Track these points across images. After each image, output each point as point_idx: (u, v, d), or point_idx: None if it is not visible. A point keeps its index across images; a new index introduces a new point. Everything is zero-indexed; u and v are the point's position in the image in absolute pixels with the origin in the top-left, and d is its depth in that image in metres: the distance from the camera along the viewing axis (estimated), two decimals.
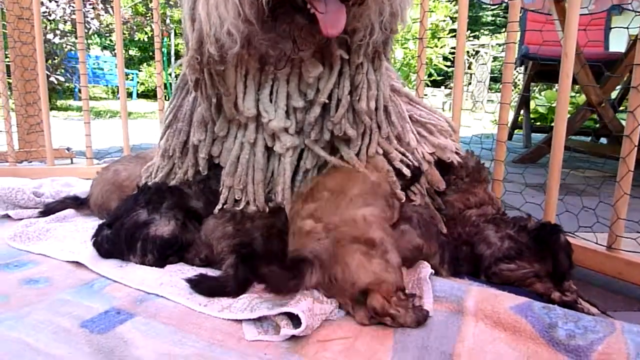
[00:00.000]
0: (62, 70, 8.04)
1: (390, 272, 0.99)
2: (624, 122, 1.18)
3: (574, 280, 1.18)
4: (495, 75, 12.73)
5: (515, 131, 4.87)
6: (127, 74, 12.79)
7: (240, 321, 0.98)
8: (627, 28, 1.52)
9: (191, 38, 1.09)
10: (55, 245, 1.38)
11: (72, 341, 0.90)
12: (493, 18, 18.66)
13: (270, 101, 1.21)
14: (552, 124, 1.33)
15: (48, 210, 1.64)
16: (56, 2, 7.42)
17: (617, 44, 4.46)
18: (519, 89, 4.90)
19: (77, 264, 1.26)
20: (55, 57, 7.73)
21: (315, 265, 0.98)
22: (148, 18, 10.02)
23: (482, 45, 11.51)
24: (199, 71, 1.14)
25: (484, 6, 17.60)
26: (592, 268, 1.30)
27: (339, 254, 0.99)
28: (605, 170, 3.30)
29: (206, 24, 1.03)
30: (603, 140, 4.34)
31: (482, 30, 17.38)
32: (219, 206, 1.32)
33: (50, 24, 7.60)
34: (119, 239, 1.25)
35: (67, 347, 0.87)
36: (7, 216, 1.66)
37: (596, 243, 1.34)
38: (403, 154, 1.34)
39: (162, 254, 1.22)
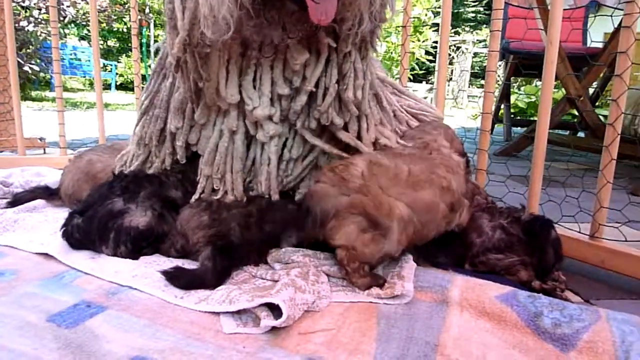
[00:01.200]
0: (37, 60, 7.79)
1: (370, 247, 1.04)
2: (601, 117, 1.18)
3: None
4: (476, 71, 12.85)
5: (496, 125, 4.91)
6: (105, 65, 12.50)
7: (218, 314, 0.95)
8: (611, 16, 1.51)
9: (181, 17, 1.04)
10: (24, 237, 1.32)
11: (37, 336, 0.84)
12: (474, 14, 18.81)
13: (254, 88, 1.16)
14: (532, 118, 1.32)
15: (16, 200, 1.57)
16: None
17: (595, 43, 4.51)
18: (498, 84, 4.93)
19: (47, 255, 1.20)
20: (30, 46, 7.49)
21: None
22: (127, 7, 9.80)
23: (463, 41, 11.59)
24: (182, 52, 1.09)
25: (465, 2, 17.74)
26: (575, 257, 1.30)
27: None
28: (584, 163, 3.34)
29: (204, 6, 0.98)
30: (580, 134, 4.40)
31: (462, 27, 17.51)
32: (195, 196, 1.27)
33: (25, 11, 7.37)
34: (91, 229, 1.19)
35: (32, 343, 0.82)
36: None
37: (579, 232, 1.33)
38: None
39: (136, 246, 1.17)
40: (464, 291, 1.03)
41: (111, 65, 12.69)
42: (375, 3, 1.05)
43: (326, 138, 1.25)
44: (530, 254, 1.16)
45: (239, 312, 0.94)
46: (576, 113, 4.19)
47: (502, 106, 4.68)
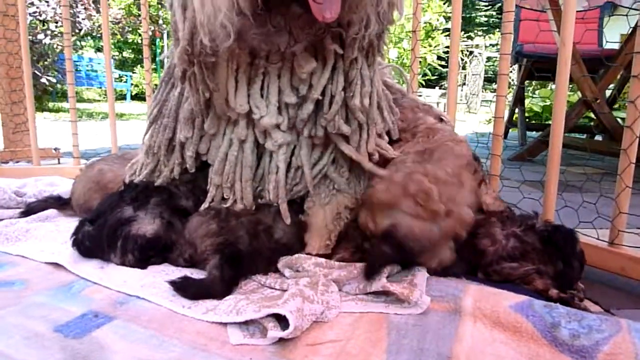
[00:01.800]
0: (54, 72, 7.94)
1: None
2: (618, 119, 1.15)
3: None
4: (489, 76, 12.73)
5: (510, 129, 4.84)
6: (120, 76, 12.69)
7: (225, 324, 0.93)
8: (627, 15, 1.47)
9: (182, 27, 1.04)
10: (35, 246, 1.32)
11: (44, 347, 0.84)
12: (486, 19, 18.70)
13: (262, 96, 1.16)
14: (547, 122, 1.29)
15: (29, 210, 1.58)
16: (47, 2, 7.34)
17: (611, 44, 4.44)
18: (512, 88, 4.87)
19: (57, 265, 1.20)
20: (47, 59, 7.64)
21: None
22: (141, 19, 9.96)
23: (476, 46, 11.51)
24: (187, 62, 1.09)
25: (477, 7, 17.65)
26: (594, 265, 1.26)
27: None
28: (601, 167, 3.27)
29: (200, 14, 0.97)
30: (597, 137, 4.32)
31: (475, 31, 17.41)
32: (205, 204, 1.26)
33: (42, 24, 7.52)
34: (101, 236, 1.18)
35: (38, 353, 0.82)
36: None
37: (598, 239, 1.29)
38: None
39: (144, 255, 1.17)
40: (477, 300, 1.00)
41: (126, 76, 12.87)
42: (382, 3, 1.03)
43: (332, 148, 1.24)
44: (546, 263, 1.13)
45: (246, 322, 0.92)
46: (592, 116, 4.12)
47: (517, 110, 4.62)
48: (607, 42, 4.20)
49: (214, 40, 0.99)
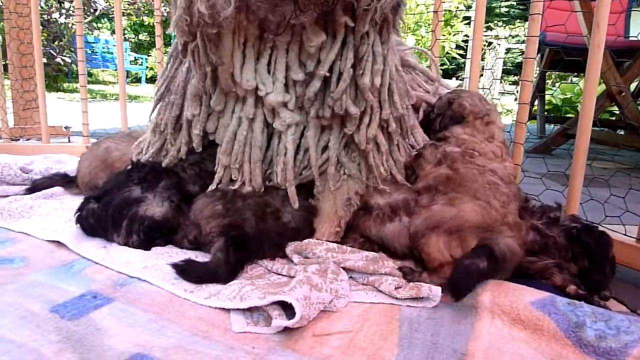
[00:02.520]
0: (70, 52, 7.93)
1: None
2: None
3: None
4: (508, 67, 12.48)
5: (529, 121, 4.72)
6: (136, 59, 12.68)
7: (228, 310, 0.89)
8: None
9: None
10: (38, 224, 1.29)
11: (39, 327, 0.80)
12: (507, 9, 18.30)
13: (269, 72, 1.10)
14: (567, 115, 1.21)
15: (35, 187, 1.56)
16: None
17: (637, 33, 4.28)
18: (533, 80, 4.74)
19: (59, 243, 1.17)
20: (62, 39, 7.63)
21: None
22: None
23: (496, 37, 11.27)
24: (187, 34, 1.03)
25: None
26: (621, 262, 1.18)
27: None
28: (627, 162, 3.16)
29: None
30: (620, 131, 4.19)
31: (495, 22, 17.06)
32: (212, 186, 1.21)
33: (57, 3, 7.51)
34: (106, 215, 1.15)
35: (32, 334, 0.78)
36: None
37: (625, 235, 1.22)
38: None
39: (149, 237, 1.13)
40: (495, 296, 0.94)
41: (142, 58, 12.86)
42: None
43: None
44: (569, 260, 1.06)
45: (250, 309, 0.88)
46: (615, 110, 3.99)
47: (536, 102, 4.50)
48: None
49: (213, 7, 0.93)
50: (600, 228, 1.16)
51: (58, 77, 7.99)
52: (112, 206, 1.16)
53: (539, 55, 4.24)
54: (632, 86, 3.80)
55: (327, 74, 1.07)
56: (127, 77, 12.27)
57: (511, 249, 0.99)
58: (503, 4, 17.85)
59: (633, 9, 4.38)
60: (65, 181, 1.59)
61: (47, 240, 1.19)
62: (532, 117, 4.62)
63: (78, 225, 1.19)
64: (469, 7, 7.55)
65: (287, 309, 0.85)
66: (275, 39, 1.06)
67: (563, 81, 6.74)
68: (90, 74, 11.38)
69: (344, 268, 1.06)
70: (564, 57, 3.13)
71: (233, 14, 0.95)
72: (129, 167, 1.32)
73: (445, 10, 7.42)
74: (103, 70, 12.39)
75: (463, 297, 0.94)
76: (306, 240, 1.14)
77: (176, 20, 1.01)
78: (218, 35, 1.04)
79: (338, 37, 1.05)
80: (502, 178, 1.13)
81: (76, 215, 1.19)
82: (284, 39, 1.06)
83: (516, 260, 1.02)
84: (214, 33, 1.02)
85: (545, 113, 4.91)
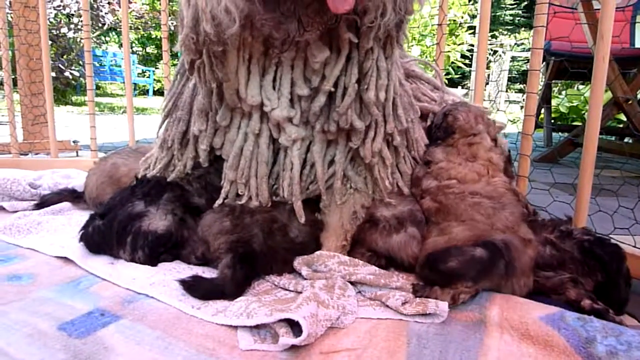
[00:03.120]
0: (78, 66, 8.03)
1: None
2: None
3: None
4: (514, 75, 12.48)
5: (536, 130, 4.70)
6: (143, 72, 12.82)
7: (235, 327, 0.88)
8: None
9: (186, 15, 0.99)
10: (46, 239, 1.30)
11: (46, 345, 0.81)
12: (512, 18, 18.34)
13: (274, 88, 1.10)
14: (574, 123, 1.21)
15: (43, 202, 1.57)
16: None
17: None
18: (539, 88, 4.73)
19: (66, 259, 1.17)
20: (71, 52, 7.74)
21: None
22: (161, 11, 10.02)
23: (501, 45, 11.29)
24: (194, 52, 1.04)
25: (502, 5, 17.33)
26: (631, 274, 1.17)
27: None
28: (635, 171, 3.13)
29: None
30: (626, 139, 4.16)
31: (500, 30, 17.09)
32: (219, 201, 1.22)
33: (66, 18, 7.62)
34: (110, 232, 1.15)
35: (40, 353, 0.78)
36: (2, 208, 1.59)
37: (634, 247, 1.21)
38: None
39: (154, 251, 1.13)
40: (504, 310, 0.93)
41: (149, 71, 12.99)
42: None
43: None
44: (585, 275, 1.05)
45: (257, 326, 0.87)
46: (622, 118, 3.97)
47: (543, 110, 4.49)
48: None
49: (219, 26, 0.94)
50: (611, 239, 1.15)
51: (66, 91, 8.08)
52: (116, 222, 1.17)
53: (544, 64, 4.24)
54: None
55: (332, 89, 1.07)
56: (135, 89, 12.38)
57: (510, 240, 1.01)
58: (508, 12, 17.89)
59: (638, 17, 4.38)
60: (73, 197, 1.60)
61: (55, 257, 1.20)
62: (538, 125, 4.61)
63: (82, 243, 1.19)
64: (473, 17, 7.57)
65: (294, 325, 0.85)
66: (280, 56, 1.07)
67: (569, 89, 6.72)
68: (98, 87, 11.50)
69: (354, 282, 1.06)
70: (569, 68, 3.12)
71: (238, 31, 0.96)
72: (134, 182, 1.33)
73: (450, 20, 7.46)
74: (111, 83, 12.53)
75: (434, 268, 1.01)
76: (318, 253, 1.14)
77: (183, 39, 1.02)
78: (223, 52, 1.05)
79: (342, 53, 1.06)
80: (485, 196, 1.15)
81: (80, 232, 1.20)
82: (289, 55, 1.07)
83: (525, 257, 1.02)
84: (219, 50, 1.03)
85: (552, 121, 4.89)
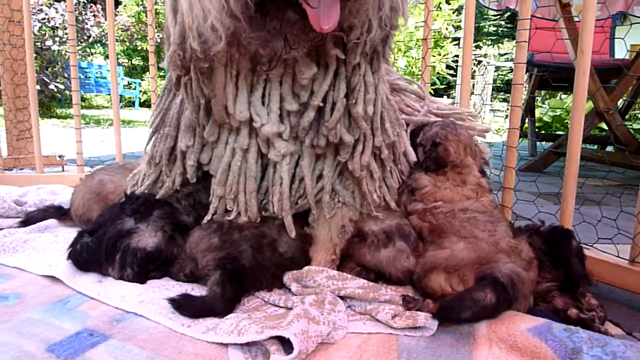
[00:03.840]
0: (63, 79, 7.97)
1: None
2: (630, 130, 1.09)
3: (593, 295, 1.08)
4: (498, 85, 12.67)
5: (520, 139, 4.77)
6: (129, 83, 12.75)
7: (226, 345, 0.88)
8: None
9: (173, 32, 1.00)
10: (32, 258, 1.28)
11: None
12: (495, 28, 18.65)
13: (263, 104, 1.11)
14: (558, 132, 1.24)
15: (28, 219, 1.55)
16: (55, 8, 7.39)
17: (622, 52, 4.37)
18: (522, 98, 4.81)
19: (54, 278, 1.16)
20: (56, 65, 7.68)
21: None
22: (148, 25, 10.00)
23: (485, 55, 11.48)
24: (181, 68, 1.05)
25: (486, 16, 17.62)
26: (614, 283, 1.20)
27: None
28: (619, 180, 3.19)
29: (188, 16, 0.94)
30: (609, 148, 4.24)
31: (484, 40, 17.36)
32: (207, 217, 1.22)
33: (51, 31, 7.57)
34: (99, 249, 1.14)
35: None
36: None
37: (617, 256, 1.23)
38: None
39: (143, 269, 1.12)
40: (492, 323, 0.94)
41: (135, 83, 12.93)
42: (384, 7, 0.98)
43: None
44: (556, 269, 1.09)
45: (248, 344, 0.87)
46: (604, 127, 4.05)
47: (527, 120, 4.56)
48: (628, 51, 4.14)
49: (205, 44, 0.95)
50: (594, 250, 1.17)
51: (51, 104, 8.00)
52: (105, 239, 1.15)
53: (527, 74, 4.32)
54: (620, 102, 3.87)
55: (321, 104, 1.09)
56: (121, 101, 12.29)
57: (516, 272, 0.99)
58: (491, 23, 18.19)
59: (617, 28, 4.49)
60: (59, 214, 1.58)
61: (42, 275, 1.18)
62: (523, 134, 4.68)
63: (71, 260, 1.18)
64: (457, 28, 7.69)
65: (285, 342, 0.85)
66: (268, 72, 1.08)
67: (552, 98, 6.84)
68: (83, 99, 11.41)
69: (343, 296, 1.07)
70: (551, 81, 3.19)
71: (225, 48, 0.96)
72: (123, 199, 1.32)
73: (435, 31, 7.57)
74: (96, 95, 12.43)
75: (448, 322, 0.96)
76: (306, 268, 1.14)
77: (170, 56, 1.03)
78: (210, 69, 1.06)
79: (330, 69, 1.07)
80: (476, 211, 1.17)
81: (69, 250, 1.19)
82: (277, 72, 1.08)
83: (528, 284, 1.02)
84: (206, 67, 1.04)
85: (537, 130, 4.97)
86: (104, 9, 7.74)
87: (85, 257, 1.17)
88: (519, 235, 1.15)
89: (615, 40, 4.45)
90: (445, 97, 11.98)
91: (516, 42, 1.38)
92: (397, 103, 1.38)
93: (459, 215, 1.16)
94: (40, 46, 7.15)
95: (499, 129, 5.91)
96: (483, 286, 0.97)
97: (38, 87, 6.38)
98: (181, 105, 1.26)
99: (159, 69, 2.56)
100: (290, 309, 0.99)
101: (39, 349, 0.85)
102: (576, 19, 2.85)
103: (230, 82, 1.09)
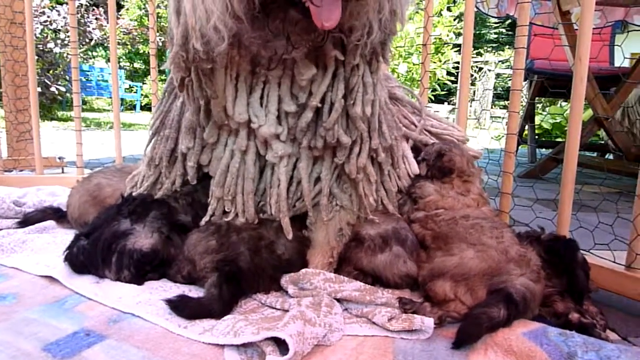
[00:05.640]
0: (64, 81, 7.99)
1: None
2: None
3: (592, 302, 1.08)
4: (499, 92, 12.69)
5: (520, 146, 4.78)
6: (131, 87, 12.79)
7: (222, 346, 0.88)
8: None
9: (176, 33, 1.01)
10: (31, 258, 1.29)
11: None
12: (496, 35, 18.71)
13: (261, 105, 1.12)
14: (557, 140, 1.25)
15: (27, 220, 1.55)
16: (57, 11, 7.42)
17: (621, 61, 4.40)
18: (522, 105, 4.82)
19: (51, 279, 1.16)
20: (57, 68, 7.70)
21: None
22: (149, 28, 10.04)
23: (486, 62, 11.51)
24: (184, 70, 1.06)
25: (487, 24, 17.69)
26: (610, 289, 1.20)
27: None
28: (616, 186, 3.19)
29: (191, 17, 0.95)
30: (608, 155, 4.25)
31: (485, 47, 17.41)
32: (205, 218, 1.22)
33: (53, 34, 7.60)
34: (95, 251, 1.14)
35: None
36: None
37: (614, 262, 1.23)
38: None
39: (140, 270, 1.12)
40: None
41: (137, 86, 12.96)
42: (384, 11, 0.99)
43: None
44: (557, 276, 1.08)
45: (244, 345, 0.88)
46: (603, 134, 4.06)
47: (527, 127, 4.57)
48: (625, 58, 4.16)
49: (208, 44, 0.96)
50: (590, 255, 1.18)
51: (52, 106, 8.02)
52: (101, 241, 1.15)
53: (527, 82, 4.34)
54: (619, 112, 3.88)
55: (319, 105, 1.10)
56: (122, 104, 12.32)
57: (529, 288, 0.98)
58: (492, 30, 18.25)
59: (617, 37, 4.51)
60: (58, 215, 1.58)
61: (40, 276, 1.19)
62: (523, 141, 4.69)
63: (67, 263, 1.18)
64: (458, 35, 7.72)
65: (281, 344, 0.85)
66: (267, 74, 1.09)
67: (552, 106, 6.86)
68: (84, 102, 11.43)
69: (340, 299, 1.07)
70: (549, 88, 3.21)
71: (226, 49, 0.97)
72: (120, 201, 1.32)
73: (435, 38, 7.61)
74: (97, 98, 12.46)
75: (466, 344, 0.92)
76: (303, 270, 1.15)
77: (173, 57, 1.04)
78: (212, 70, 1.07)
79: (329, 70, 1.08)
80: (478, 217, 1.17)
81: (65, 253, 1.18)
82: (276, 73, 1.09)
83: (538, 297, 1.01)
84: (208, 68, 1.05)
85: (536, 137, 4.98)
86: (106, 12, 7.77)
87: (82, 260, 1.16)
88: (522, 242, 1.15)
89: (615, 48, 4.47)
90: (445, 103, 12.01)
91: (514, 48, 1.39)
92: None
93: (461, 222, 1.16)
94: (42, 48, 7.18)
95: (498, 135, 5.93)
96: (497, 301, 0.95)
97: (39, 89, 6.40)
98: (182, 107, 1.27)
99: (160, 71, 2.57)
100: (287, 311, 1.00)
101: (36, 348, 0.85)
102: (575, 26, 2.86)
103: (230, 83, 1.10)
